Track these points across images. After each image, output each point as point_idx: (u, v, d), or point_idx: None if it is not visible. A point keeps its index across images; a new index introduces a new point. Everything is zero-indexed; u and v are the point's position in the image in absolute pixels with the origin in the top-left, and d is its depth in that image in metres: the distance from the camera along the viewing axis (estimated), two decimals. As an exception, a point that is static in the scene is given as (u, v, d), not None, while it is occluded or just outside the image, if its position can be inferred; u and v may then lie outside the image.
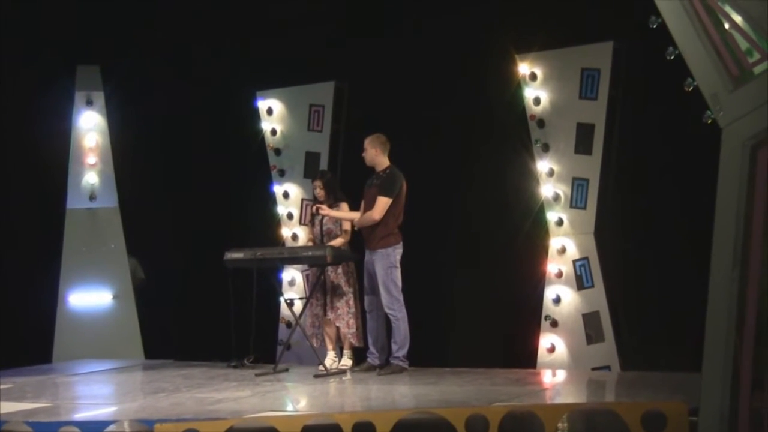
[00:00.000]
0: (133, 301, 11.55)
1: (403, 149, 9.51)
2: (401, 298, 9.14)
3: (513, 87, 9.67)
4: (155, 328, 11.43)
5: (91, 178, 11.65)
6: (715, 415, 5.33)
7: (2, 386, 8.94)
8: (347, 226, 9.57)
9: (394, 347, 9.17)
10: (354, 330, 9.47)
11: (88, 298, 11.52)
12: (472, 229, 10.09)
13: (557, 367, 9.32)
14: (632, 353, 9.10)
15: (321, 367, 9.35)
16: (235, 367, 9.89)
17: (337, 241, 9.49)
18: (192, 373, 9.66)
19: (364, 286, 9.41)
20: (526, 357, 9.48)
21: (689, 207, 8.23)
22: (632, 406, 6.15)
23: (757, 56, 5.52)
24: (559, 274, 9.42)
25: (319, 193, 9.73)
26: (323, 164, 10.72)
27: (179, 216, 11.58)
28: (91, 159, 11.68)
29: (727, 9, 5.60)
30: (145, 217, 11.61)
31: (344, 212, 9.56)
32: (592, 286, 9.28)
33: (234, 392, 8.29)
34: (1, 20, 10.49)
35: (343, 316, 9.47)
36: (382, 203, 9.09)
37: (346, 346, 9.57)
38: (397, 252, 9.17)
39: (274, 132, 11.16)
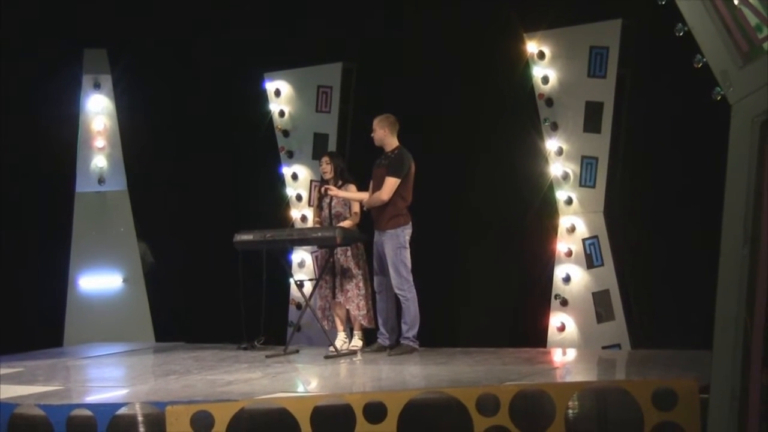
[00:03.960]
0: (143, 285, 11.60)
1: (411, 129, 9.50)
2: (411, 278, 9.13)
3: (521, 66, 9.64)
4: (165, 311, 11.47)
5: (99, 162, 11.68)
6: (725, 392, 5.32)
7: (14, 370, 8.97)
8: (357, 208, 9.56)
9: (404, 327, 9.18)
10: (365, 312, 9.47)
11: (98, 282, 11.57)
12: (481, 208, 10.08)
13: (567, 346, 9.32)
14: (642, 331, 9.10)
15: (331, 348, 9.35)
16: (245, 348, 9.92)
17: (346, 223, 9.48)
18: (202, 356, 9.69)
19: (373, 266, 9.42)
20: (536, 336, 9.48)
21: (699, 184, 8.20)
22: (643, 384, 6.14)
23: (766, 32, 5.48)
24: (569, 253, 9.41)
25: (326, 168, 9.70)
26: (332, 145, 10.71)
27: (188, 199, 11.58)
28: (100, 142, 11.70)
29: (736, -16, 5.57)
30: (154, 200, 11.64)
31: (353, 192, 9.55)
32: (602, 264, 9.27)
33: (245, 374, 8.31)
34: (8, 4, 10.48)
35: (354, 299, 9.47)
36: (391, 184, 9.08)
37: (356, 327, 9.58)
38: (406, 232, 9.16)
39: (282, 113, 11.15)
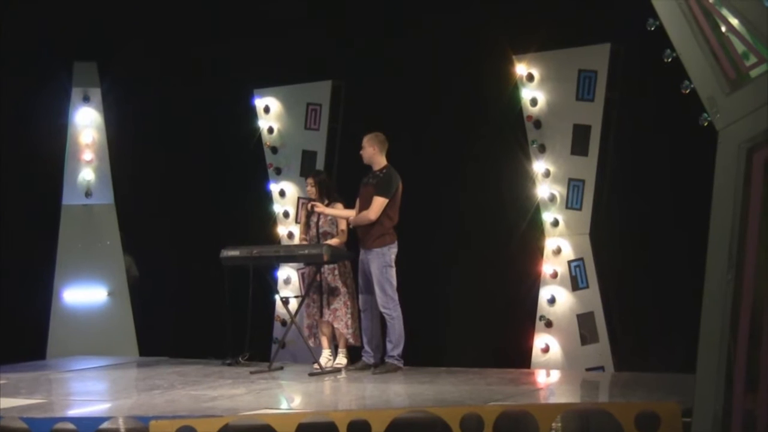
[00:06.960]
0: (128, 298, 11.55)
1: (399, 149, 9.52)
2: (396, 297, 9.15)
3: (510, 88, 9.68)
4: (150, 325, 11.43)
5: (87, 175, 11.65)
6: (708, 416, 5.35)
7: (-3, 382, 8.95)
8: (344, 226, 9.58)
9: (389, 346, 9.19)
10: (352, 330, 9.48)
11: (83, 295, 11.52)
12: (467, 229, 10.10)
13: (551, 368, 9.33)
14: (626, 354, 9.12)
15: (316, 366, 9.35)
16: (230, 364, 9.89)
17: (334, 241, 9.50)
18: (187, 371, 9.67)
19: (359, 284, 9.43)
20: (520, 357, 9.50)
21: (685, 209, 8.24)
22: (626, 407, 6.16)
23: (753, 59, 5.54)
24: (554, 275, 9.44)
25: (311, 190, 9.75)
26: (320, 163, 10.73)
27: (175, 213, 11.59)
28: (88, 155, 11.68)
29: (724, 12, 5.63)
30: (141, 214, 11.62)
31: (339, 210, 9.57)
32: (587, 286, 9.30)
33: (229, 390, 8.30)
34: (-2, 17, 10.51)
35: (342, 317, 9.48)
36: (378, 203, 9.10)
37: (341, 344, 9.58)
38: (392, 251, 9.18)
39: (271, 130, 11.17)
